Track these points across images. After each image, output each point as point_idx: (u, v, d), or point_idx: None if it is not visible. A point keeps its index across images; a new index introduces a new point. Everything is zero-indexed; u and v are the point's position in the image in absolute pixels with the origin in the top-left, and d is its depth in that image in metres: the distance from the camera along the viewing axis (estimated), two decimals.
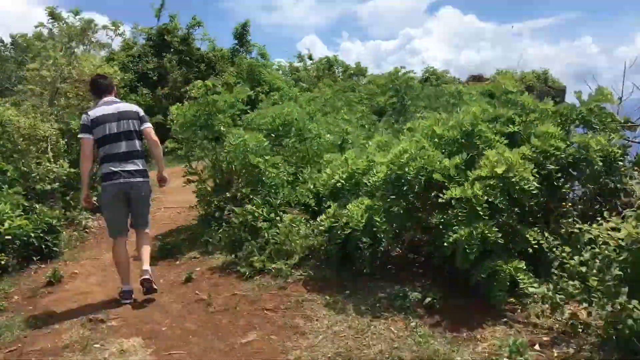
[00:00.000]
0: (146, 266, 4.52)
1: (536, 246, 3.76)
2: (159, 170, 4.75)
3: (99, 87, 4.64)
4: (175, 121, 6.82)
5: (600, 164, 4.03)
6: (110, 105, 4.51)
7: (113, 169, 4.39)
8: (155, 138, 4.62)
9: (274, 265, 4.79)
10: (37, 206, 6.27)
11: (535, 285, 3.44)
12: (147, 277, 4.46)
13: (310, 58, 25.72)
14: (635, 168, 4.41)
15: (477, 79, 24.36)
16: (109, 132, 4.40)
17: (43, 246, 5.86)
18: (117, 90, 4.90)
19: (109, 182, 4.41)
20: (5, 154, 6.90)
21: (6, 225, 5.39)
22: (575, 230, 3.71)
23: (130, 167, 4.44)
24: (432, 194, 4.13)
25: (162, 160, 4.75)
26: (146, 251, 4.61)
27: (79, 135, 4.56)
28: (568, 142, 4.14)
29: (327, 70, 24.42)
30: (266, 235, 5.17)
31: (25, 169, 6.92)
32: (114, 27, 13.15)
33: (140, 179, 4.49)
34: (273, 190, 5.81)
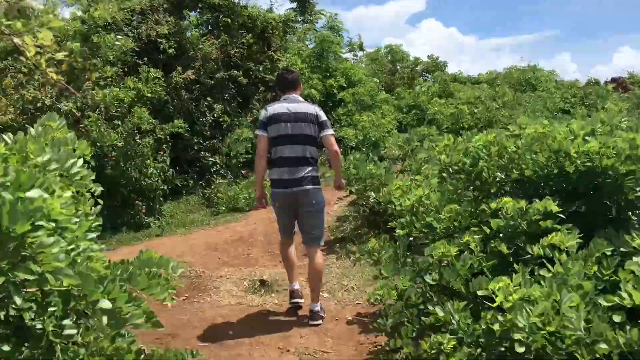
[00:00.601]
0: (314, 304, 4.14)
1: None
2: (335, 178, 4.49)
3: (282, 82, 4.36)
4: None
5: None
6: (290, 103, 4.20)
7: (281, 175, 4.12)
8: (337, 148, 4.22)
9: None
10: None
11: None
12: (314, 312, 4.10)
13: (360, 48, 20.07)
14: None
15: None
16: (283, 132, 4.11)
17: None
18: (301, 87, 4.56)
19: (276, 189, 4.18)
20: None
21: None
22: None
23: (299, 174, 4.08)
24: None
25: (339, 169, 4.49)
26: (315, 279, 4.16)
27: (255, 132, 4.77)
28: None
29: (391, 64, 19.85)
30: None
31: None
32: None
33: (310, 187, 4.11)
34: None
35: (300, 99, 4.31)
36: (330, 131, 4.20)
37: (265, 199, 4.38)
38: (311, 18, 15.12)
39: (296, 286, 4.41)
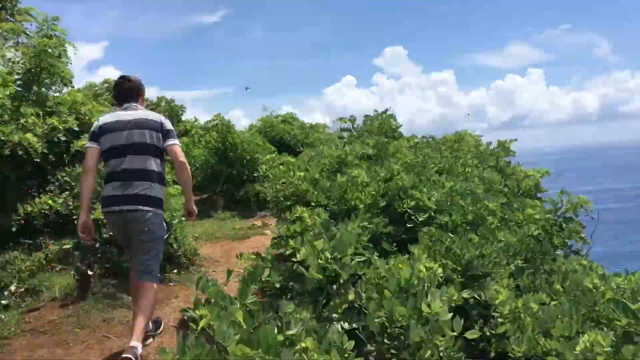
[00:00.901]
0: (134, 340, 3.20)
1: None
2: (185, 200, 3.79)
3: (119, 91, 3.80)
4: None
5: None
6: (127, 111, 3.67)
7: (111, 191, 3.49)
8: (183, 159, 3.64)
9: None
10: None
11: None
12: (128, 355, 3.08)
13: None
14: None
15: None
16: (118, 142, 3.51)
17: None
18: (144, 97, 3.94)
19: (103, 209, 3.57)
20: None
21: None
22: None
23: (133, 190, 3.45)
24: None
25: (190, 188, 3.74)
26: (140, 318, 3.31)
27: (85, 144, 3.79)
28: None
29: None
30: None
31: None
32: None
33: (143, 208, 3.45)
34: None
35: (142, 107, 3.77)
36: (176, 141, 3.66)
37: (90, 227, 3.52)
38: (13, 20, 8.98)
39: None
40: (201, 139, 10.01)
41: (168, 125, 3.67)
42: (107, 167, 3.57)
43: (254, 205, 9.26)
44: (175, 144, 3.62)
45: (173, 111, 14.64)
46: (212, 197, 9.68)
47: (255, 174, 9.56)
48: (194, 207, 3.78)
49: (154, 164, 3.54)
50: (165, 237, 3.77)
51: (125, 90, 3.75)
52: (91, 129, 3.64)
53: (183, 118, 15.14)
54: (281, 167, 7.17)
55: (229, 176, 9.53)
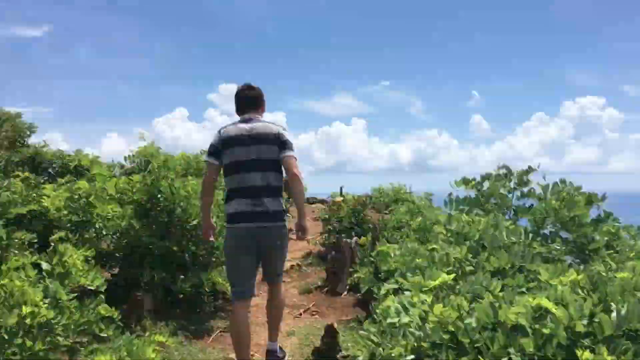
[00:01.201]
0: (272, 343, 3.77)
1: None
2: (298, 216, 3.56)
3: (241, 101, 3.70)
4: None
5: None
6: (248, 124, 3.56)
7: (239, 208, 3.47)
8: (297, 171, 3.45)
9: None
10: None
11: None
12: (272, 352, 3.74)
13: None
14: None
15: None
16: (238, 158, 3.49)
17: None
18: (265, 108, 3.80)
19: (233, 225, 3.51)
20: None
21: None
22: None
23: (262, 206, 3.46)
24: None
25: (303, 202, 3.57)
26: (277, 316, 3.79)
27: (204, 158, 4.14)
28: None
29: None
30: None
31: None
32: None
33: (275, 223, 3.51)
34: None
35: (262, 118, 3.67)
36: (292, 152, 3.51)
37: (214, 231, 3.81)
38: None
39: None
40: (116, 186, 5.31)
41: (285, 136, 3.55)
42: (230, 181, 3.55)
43: (209, 308, 5.21)
44: (290, 156, 3.50)
45: (16, 130, 10.51)
46: (133, 296, 4.72)
47: (214, 252, 5.49)
48: (307, 224, 3.58)
49: (276, 179, 3.54)
50: None
51: (247, 100, 3.68)
52: (211, 142, 3.59)
53: (31, 140, 10.76)
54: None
55: (164, 254, 5.12)
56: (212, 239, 3.81)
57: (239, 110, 3.68)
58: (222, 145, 3.51)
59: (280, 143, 3.48)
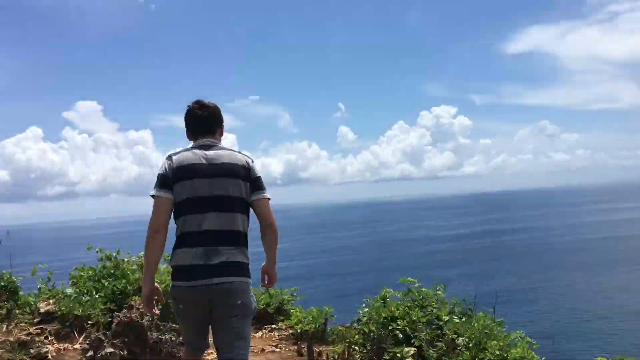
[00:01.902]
0: None
1: None
2: (268, 263, 3.03)
3: (193, 121, 2.99)
4: None
5: None
6: (208, 151, 2.87)
7: (190, 259, 2.73)
8: (272, 217, 2.94)
9: None
10: None
11: None
12: None
13: None
14: None
15: None
16: (196, 192, 2.77)
17: None
18: (222, 130, 3.12)
19: (179, 282, 2.76)
20: None
21: None
22: None
23: (219, 257, 2.75)
24: None
25: (275, 251, 3.02)
26: None
27: (150, 193, 2.84)
28: None
29: None
30: None
31: None
32: None
33: (234, 280, 2.77)
34: None
35: (222, 145, 3.02)
36: (266, 194, 2.94)
37: (158, 297, 2.91)
38: None
39: None
40: None
41: (256, 170, 2.97)
42: (180, 224, 2.82)
43: None
44: (265, 198, 2.93)
45: None
46: None
47: None
48: (275, 272, 3.11)
49: (240, 223, 2.87)
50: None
51: (201, 121, 2.97)
52: (160, 171, 2.85)
53: None
54: None
55: None
56: (156, 311, 2.97)
57: (192, 134, 3.00)
58: (175, 176, 2.79)
59: (252, 180, 2.90)
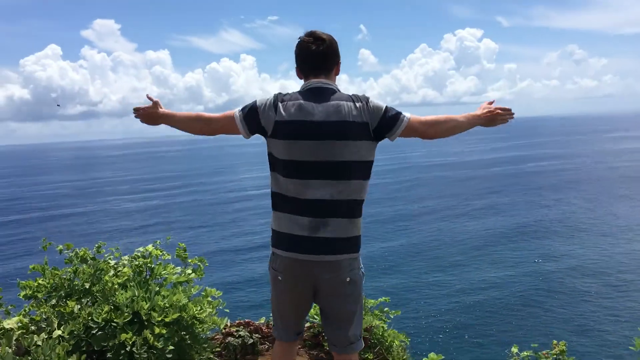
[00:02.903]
0: None
1: None
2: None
3: (304, 59, 2.50)
4: None
5: None
6: (317, 103, 2.36)
7: (292, 228, 2.36)
8: (427, 126, 2.48)
9: None
10: None
11: None
12: None
13: None
14: None
15: None
16: (301, 157, 2.32)
17: None
18: (339, 68, 2.57)
19: (280, 250, 2.41)
20: None
21: None
22: None
23: (325, 231, 2.33)
24: None
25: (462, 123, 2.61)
26: None
27: (235, 110, 2.47)
28: None
29: None
30: None
31: None
32: None
33: (341, 257, 2.36)
34: None
35: (336, 88, 2.46)
36: (404, 120, 2.42)
37: (155, 104, 2.62)
38: None
39: None
40: None
41: (381, 109, 2.41)
42: (279, 183, 2.41)
43: None
44: (406, 120, 2.43)
45: None
46: None
47: None
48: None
49: (356, 191, 2.39)
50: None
51: (315, 57, 2.47)
52: (258, 105, 2.42)
53: None
54: None
55: None
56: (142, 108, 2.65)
57: (303, 73, 2.52)
58: (274, 130, 2.36)
59: (378, 127, 2.38)
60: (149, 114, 2.64)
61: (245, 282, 25.36)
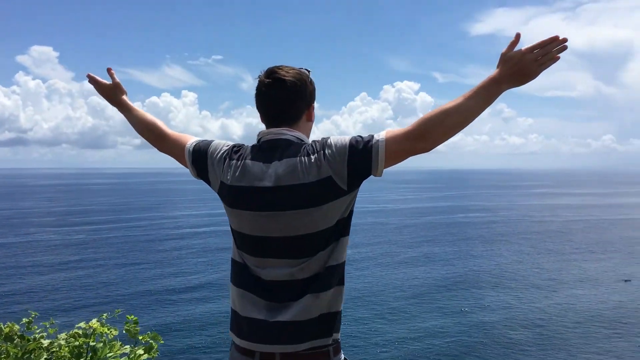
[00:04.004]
0: None
1: None
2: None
3: (258, 102, 1.93)
4: None
5: None
6: (269, 163, 1.81)
7: (248, 310, 1.83)
8: (414, 134, 1.73)
9: None
10: None
11: None
12: None
13: None
14: None
15: None
16: (245, 229, 1.84)
17: None
18: (312, 114, 1.99)
19: (235, 336, 1.88)
20: None
21: None
22: None
23: (284, 315, 1.78)
24: None
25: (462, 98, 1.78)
26: None
27: (189, 143, 2.04)
28: None
29: None
30: None
31: None
32: None
33: (303, 345, 1.77)
34: None
35: (295, 139, 1.87)
36: (379, 137, 1.76)
37: (115, 85, 2.26)
38: None
39: None
40: None
41: (349, 146, 1.76)
42: (235, 252, 1.94)
43: None
44: (384, 144, 1.74)
45: None
46: None
47: None
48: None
49: (326, 261, 1.81)
50: None
51: (270, 103, 1.89)
52: (214, 151, 1.95)
53: None
54: None
55: None
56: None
57: (263, 121, 1.99)
58: (220, 191, 1.92)
59: (349, 173, 1.76)
60: (103, 88, 2.29)
61: (181, 323, 24.48)
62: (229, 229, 1.98)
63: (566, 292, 32.69)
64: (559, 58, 1.69)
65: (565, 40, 1.66)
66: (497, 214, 73.88)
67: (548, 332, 24.99)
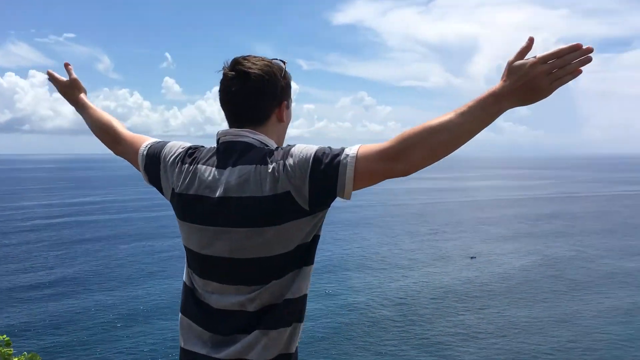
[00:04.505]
0: None
1: None
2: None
3: (220, 97, 1.61)
4: None
5: None
6: (223, 169, 1.50)
7: (189, 344, 1.56)
8: (394, 151, 1.38)
9: None
10: None
11: None
12: None
13: None
14: None
15: None
16: (193, 246, 1.57)
17: None
18: (284, 114, 1.61)
19: None
20: None
21: None
22: None
23: (228, 354, 1.47)
24: None
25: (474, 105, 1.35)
26: None
27: (141, 149, 1.75)
28: None
29: None
30: None
31: None
32: None
33: None
34: None
35: (257, 142, 1.53)
36: (349, 153, 1.41)
37: (72, 81, 2.01)
38: None
39: None
40: None
41: (313, 160, 1.42)
42: (186, 273, 1.65)
43: None
44: (353, 157, 1.41)
45: None
46: None
47: None
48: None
49: (281, 293, 1.50)
50: None
51: (233, 100, 1.58)
52: (167, 153, 1.66)
53: None
54: None
55: None
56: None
57: (226, 120, 1.64)
58: (172, 200, 1.61)
59: (310, 192, 1.42)
60: (62, 84, 2.00)
61: (34, 323, 22.81)
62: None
63: (422, 271, 33.61)
64: (580, 72, 1.30)
65: (590, 50, 1.28)
66: (361, 199, 73.07)
67: (407, 309, 25.83)
